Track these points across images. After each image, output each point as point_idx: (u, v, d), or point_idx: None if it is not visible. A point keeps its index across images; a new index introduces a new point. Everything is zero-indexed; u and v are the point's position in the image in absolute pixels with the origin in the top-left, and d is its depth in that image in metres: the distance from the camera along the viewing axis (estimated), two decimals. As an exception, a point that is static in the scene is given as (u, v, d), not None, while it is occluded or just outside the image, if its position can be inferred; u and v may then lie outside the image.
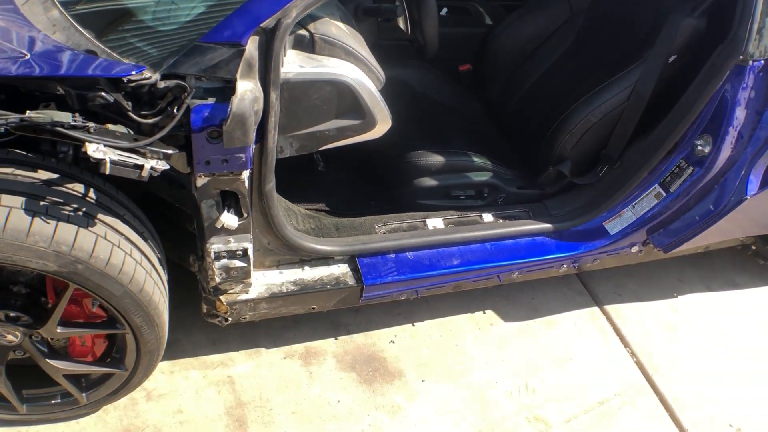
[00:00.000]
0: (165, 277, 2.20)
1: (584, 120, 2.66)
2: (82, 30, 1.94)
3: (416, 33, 2.48)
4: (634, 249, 2.81)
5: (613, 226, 2.74)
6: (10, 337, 2.07)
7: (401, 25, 2.43)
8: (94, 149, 1.70)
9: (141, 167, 1.76)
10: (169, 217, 2.34)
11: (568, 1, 3.04)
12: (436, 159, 2.69)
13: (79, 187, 1.92)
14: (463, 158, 2.73)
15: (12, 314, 2.04)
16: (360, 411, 2.48)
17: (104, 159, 1.70)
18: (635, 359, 2.82)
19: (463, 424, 2.49)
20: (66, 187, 1.90)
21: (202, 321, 2.44)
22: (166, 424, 2.37)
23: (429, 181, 2.69)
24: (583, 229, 2.73)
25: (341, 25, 2.13)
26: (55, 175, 1.89)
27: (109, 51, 1.88)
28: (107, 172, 1.72)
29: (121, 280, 1.94)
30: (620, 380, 2.72)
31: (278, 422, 2.41)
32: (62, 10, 1.99)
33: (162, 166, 1.81)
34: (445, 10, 3.32)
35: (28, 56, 1.77)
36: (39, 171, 1.88)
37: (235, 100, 1.80)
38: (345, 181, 2.91)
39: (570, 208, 2.76)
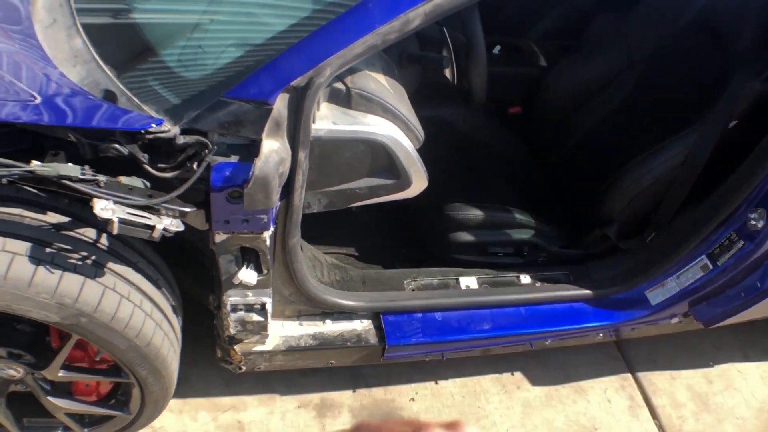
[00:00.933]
0: (178, 324, 2.02)
1: (636, 182, 2.39)
2: (104, 66, 1.74)
3: (463, 82, 2.24)
4: (675, 320, 2.55)
5: (656, 295, 2.48)
6: (11, 372, 1.91)
7: (447, 74, 2.20)
8: (102, 207, 1.52)
9: (152, 228, 1.57)
10: (189, 252, 2.14)
11: (627, 49, 2.76)
12: (475, 213, 2.45)
13: (90, 233, 1.74)
14: (504, 214, 2.49)
15: (14, 351, 1.88)
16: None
17: (112, 219, 1.51)
18: (664, 434, 2.57)
19: (478, 497, 2.28)
20: (76, 232, 1.72)
21: (216, 361, 2.25)
22: (170, 467, 2.21)
23: (465, 236, 2.45)
24: (624, 297, 2.48)
25: (381, 78, 1.91)
26: (65, 219, 1.72)
27: (129, 94, 1.68)
28: (114, 233, 1.53)
29: (127, 334, 1.77)
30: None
31: (285, 478, 2.23)
32: (86, 40, 1.80)
33: (176, 226, 1.62)
34: (497, 48, 3.06)
35: (39, 100, 1.58)
36: (48, 213, 1.70)
37: (258, 163, 1.59)
38: (377, 224, 2.68)
39: (612, 272, 2.50)
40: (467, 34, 2.12)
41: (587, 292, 2.43)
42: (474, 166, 2.74)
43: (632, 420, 2.60)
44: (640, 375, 2.75)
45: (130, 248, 1.84)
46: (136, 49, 1.83)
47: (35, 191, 1.71)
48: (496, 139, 2.89)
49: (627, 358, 2.81)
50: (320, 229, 2.32)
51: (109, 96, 1.68)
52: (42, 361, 1.89)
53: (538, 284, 2.43)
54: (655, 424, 2.60)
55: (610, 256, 2.55)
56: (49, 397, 1.99)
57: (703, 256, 2.40)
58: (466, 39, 2.12)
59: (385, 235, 2.66)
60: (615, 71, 2.77)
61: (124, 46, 1.85)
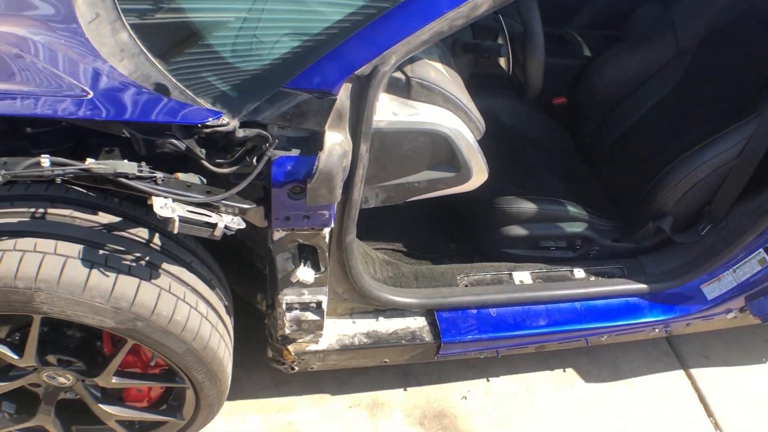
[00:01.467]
0: (231, 325, 1.92)
1: (690, 175, 2.26)
2: (152, 59, 1.64)
3: (517, 72, 2.12)
4: (730, 315, 2.43)
5: (712, 290, 2.36)
6: (61, 379, 1.82)
7: (502, 64, 2.08)
8: (162, 205, 1.42)
9: (214, 226, 1.47)
10: (239, 251, 2.04)
11: (674, 37, 2.62)
12: (528, 206, 2.33)
13: (143, 232, 1.65)
14: (557, 207, 2.37)
15: (65, 358, 1.77)
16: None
17: (173, 218, 1.41)
18: (718, 430, 2.44)
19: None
20: (129, 233, 1.62)
21: (265, 360, 2.15)
22: (220, 470, 2.11)
23: (517, 230, 2.34)
24: (679, 292, 2.36)
25: (440, 67, 1.79)
26: (117, 219, 1.62)
27: (181, 87, 1.58)
28: (175, 231, 1.43)
29: (184, 337, 1.67)
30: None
31: (339, 479, 2.12)
32: (132, 33, 1.69)
33: (237, 224, 1.52)
34: (540, 38, 2.93)
35: (92, 95, 1.48)
36: (100, 213, 1.61)
37: (323, 156, 1.49)
38: (424, 219, 2.56)
39: (667, 267, 2.38)
40: (524, 22, 2.00)
41: (643, 286, 2.31)
42: (521, 158, 2.62)
43: (686, 416, 2.47)
44: (693, 372, 2.62)
45: (183, 248, 1.74)
46: (186, 39, 1.73)
47: (84, 191, 1.61)
48: (541, 131, 2.77)
49: (680, 354, 2.68)
50: (367, 224, 2.21)
51: (162, 89, 1.58)
52: (94, 368, 1.79)
53: (593, 278, 2.31)
54: (711, 422, 2.47)
55: (664, 250, 2.43)
56: (100, 405, 1.90)
57: (761, 250, 2.27)
58: (524, 27, 2.00)
59: (432, 230, 2.54)
60: (662, 61, 2.64)
61: (174, 37, 1.75)
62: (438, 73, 1.76)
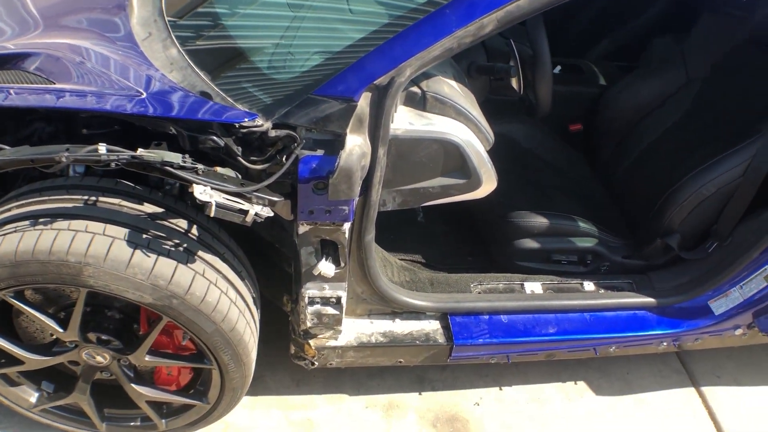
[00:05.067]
0: (258, 317, 2.16)
1: (696, 193, 2.47)
2: (198, 71, 1.93)
3: (528, 93, 2.38)
4: (738, 332, 2.59)
5: (719, 305, 2.54)
6: (99, 358, 2.08)
7: (514, 85, 2.33)
8: (201, 191, 1.68)
9: (245, 212, 1.72)
10: (267, 255, 2.30)
11: (684, 67, 2.86)
12: (540, 221, 2.56)
13: (182, 223, 1.91)
14: (568, 222, 2.59)
15: (104, 337, 2.04)
16: (437, 472, 2.36)
17: (210, 202, 1.67)
18: (730, 450, 2.60)
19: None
20: (170, 222, 1.89)
21: (287, 360, 2.38)
22: (242, 460, 2.33)
23: (530, 243, 2.56)
24: (687, 307, 2.54)
25: (453, 83, 2.05)
26: (160, 209, 1.89)
27: (223, 94, 1.86)
28: (212, 215, 1.69)
29: (214, 318, 1.91)
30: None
31: (353, 473, 2.33)
32: (180, 49, 1.99)
33: (266, 212, 1.77)
34: (558, 68, 3.19)
35: (144, 95, 1.77)
36: (145, 204, 1.88)
37: (344, 155, 1.74)
38: (443, 234, 2.81)
39: (675, 283, 2.57)
40: (533, 46, 2.25)
41: (651, 300, 2.50)
42: (536, 180, 2.85)
43: (696, 434, 2.64)
44: (704, 389, 2.78)
45: (218, 240, 2.00)
46: (229, 56, 2.02)
47: (132, 185, 1.89)
48: (557, 156, 3.00)
49: (691, 372, 2.84)
50: (388, 237, 2.46)
51: (206, 96, 1.86)
52: (129, 346, 2.05)
53: (602, 291, 2.51)
54: (721, 439, 2.63)
55: (672, 267, 2.62)
56: (132, 384, 2.14)
57: (767, 266, 2.45)
58: (533, 51, 2.26)
59: (450, 244, 2.78)
60: (673, 89, 2.88)
61: (217, 53, 2.04)
62: (451, 88, 2.02)
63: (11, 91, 1.78)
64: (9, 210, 1.86)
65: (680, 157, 2.66)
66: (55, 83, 1.82)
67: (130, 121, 1.83)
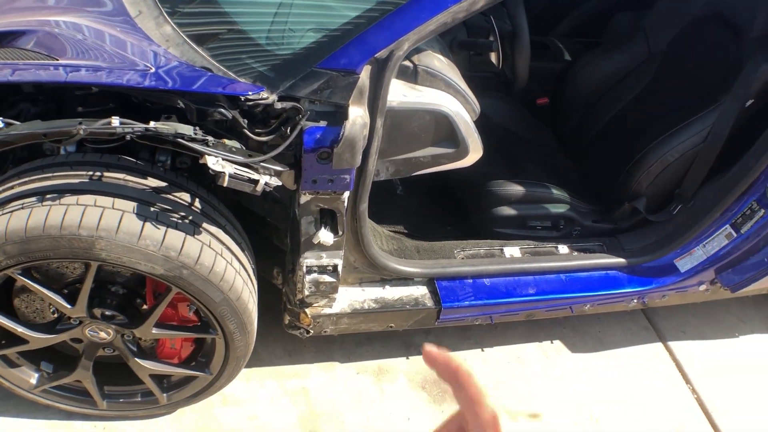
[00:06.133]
0: (256, 286, 2.24)
1: (661, 159, 2.66)
2: (195, 47, 2.00)
3: (506, 68, 2.52)
4: (702, 287, 2.80)
5: (684, 263, 2.74)
6: (102, 334, 2.13)
7: (493, 59, 2.47)
8: (214, 162, 1.76)
9: (255, 182, 1.81)
10: (257, 229, 2.38)
11: (646, 42, 3.05)
12: (516, 189, 2.71)
13: (185, 196, 1.98)
14: (542, 189, 2.75)
15: (108, 313, 2.10)
16: (429, 429, 2.49)
17: (223, 172, 1.75)
18: (696, 396, 2.80)
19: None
20: (174, 196, 1.95)
21: (278, 332, 2.48)
22: (240, 429, 2.41)
23: (507, 210, 2.71)
24: (654, 265, 2.73)
25: (442, 57, 2.17)
26: (163, 183, 1.95)
27: (224, 69, 1.94)
28: (225, 185, 1.77)
29: (222, 287, 1.99)
30: (680, 417, 2.72)
31: (350, 435, 2.44)
32: (175, 26, 2.06)
33: (275, 182, 1.86)
34: (525, 44, 3.35)
35: (154, 69, 1.83)
36: (149, 178, 1.93)
37: (348, 125, 1.84)
38: (422, 205, 2.94)
39: (643, 243, 2.76)
40: (513, 22, 2.39)
41: (621, 260, 2.68)
42: (509, 152, 2.99)
43: (666, 384, 2.83)
44: (671, 344, 2.99)
45: (219, 212, 2.08)
46: (225, 30, 2.10)
47: (134, 160, 1.95)
48: (527, 128, 3.16)
49: (658, 329, 3.05)
50: (372, 209, 2.56)
51: (207, 70, 1.94)
52: (134, 321, 2.11)
53: (575, 254, 2.68)
54: (689, 388, 2.83)
55: (639, 229, 2.82)
56: (135, 359, 2.20)
57: (727, 225, 2.66)
58: (512, 26, 2.40)
59: (429, 215, 2.91)
60: (635, 63, 3.06)
61: (214, 28, 2.11)
62: (440, 62, 2.14)
63: (18, 66, 1.82)
64: (11, 188, 1.89)
65: (644, 127, 2.84)
66: (58, 59, 1.87)
67: (126, 94, 1.88)
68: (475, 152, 2.20)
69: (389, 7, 1.89)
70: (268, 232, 2.39)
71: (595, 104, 3.11)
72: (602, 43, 3.23)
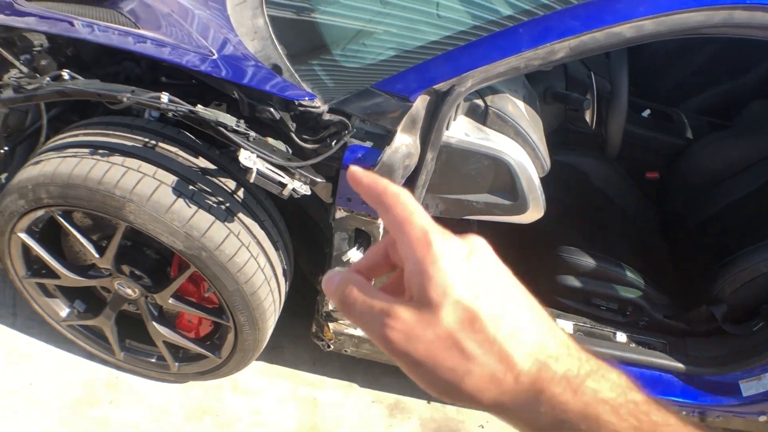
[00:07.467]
0: (284, 288, 2.24)
1: (753, 267, 2.40)
2: (277, 44, 2.02)
3: (601, 129, 2.37)
4: (762, 418, 2.51)
5: (749, 387, 2.46)
6: (129, 290, 2.22)
7: (587, 117, 2.33)
8: (246, 157, 1.77)
9: (284, 186, 1.81)
10: (311, 232, 2.38)
11: (779, 134, 2.79)
12: (587, 261, 2.53)
13: (231, 184, 2.01)
14: (616, 268, 2.55)
15: (137, 272, 2.19)
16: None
17: (252, 168, 1.76)
18: None
19: None
20: (218, 180, 1.99)
21: (310, 338, 2.46)
22: (240, 419, 2.44)
23: (572, 281, 2.54)
24: (715, 381, 2.48)
25: (520, 104, 2.07)
26: (213, 166, 1.99)
27: (292, 70, 1.95)
28: (251, 181, 1.78)
29: (237, 278, 2.01)
30: None
31: (343, 461, 2.39)
32: (268, 21, 2.09)
33: (304, 190, 1.85)
34: (647, 111, 3.14)
35: (216, 56, 1.87)
36: (200, 158, 1.99)
37: (388, 151, 1.80)
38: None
39: (710, 354, 2.51)
40: (612, 82, 2.25)
41: (680, 365, 2.45)
42: (597, 219, 2.82)
43: None
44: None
45: (261, 207, 2.10)
46: (309, 37, 2.11)
47: (193, 138, 2.01)
48: (625, 198, 2.97)
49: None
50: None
51: (276, 69, 1.96)
52: (158, 286, 2.18)
53: (633, 345, 2.48)
54: None
55: (711, 337, 2.56)
56: (154, 323, 2.28)
57: (806, 359, 2.38)
58: (611, 87, 2.25)
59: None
60: (761, 155, 2.80)
61: (299, 32, 2.14)
62: (516, 108, 2.05)
63: (96, 27, 1.91)
64: (76, 136, 2.01)
65: (750, 228, 2.59)
66: (140, 28, 1.95)
67: (202, 79, 1.93)
68: (535, 210, 2.08)
69: (464, 39, 1.83)
70: (321, 237, 2.38)
71: (706, 191, 2.87)
72: (732, 127, 2.98)
